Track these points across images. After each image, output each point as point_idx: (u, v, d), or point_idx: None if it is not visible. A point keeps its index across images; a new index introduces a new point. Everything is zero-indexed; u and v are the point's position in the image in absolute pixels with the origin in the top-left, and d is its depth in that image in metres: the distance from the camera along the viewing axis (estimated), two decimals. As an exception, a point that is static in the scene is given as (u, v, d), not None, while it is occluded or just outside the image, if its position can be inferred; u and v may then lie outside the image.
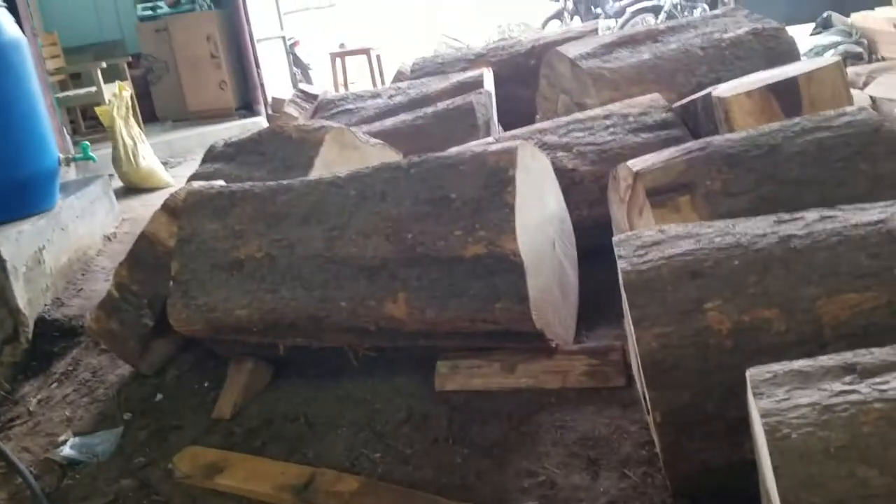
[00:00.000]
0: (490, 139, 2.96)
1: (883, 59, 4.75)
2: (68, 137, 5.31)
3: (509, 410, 2.02)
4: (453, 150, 2.48)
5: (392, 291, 2.07)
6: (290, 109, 4.73)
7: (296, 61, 8.36)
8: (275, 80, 7.58)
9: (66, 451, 2.30)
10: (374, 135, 3.26)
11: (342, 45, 7.89)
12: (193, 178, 3.08)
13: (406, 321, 2.06)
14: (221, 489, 1.95)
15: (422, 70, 4.52)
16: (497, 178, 2.07)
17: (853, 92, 2.91)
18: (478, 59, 4.37)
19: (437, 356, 2.19)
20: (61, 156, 3.60)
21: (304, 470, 1.92)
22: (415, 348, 2.20)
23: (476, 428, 1.98)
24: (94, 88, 6.16)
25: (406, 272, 2.07)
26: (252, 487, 1.90)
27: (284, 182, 2.43)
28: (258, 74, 7.22)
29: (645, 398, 1.64)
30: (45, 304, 3.22)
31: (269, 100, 7.18)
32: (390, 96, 4.08)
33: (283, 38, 8.02)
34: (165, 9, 7.40)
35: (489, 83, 3.82)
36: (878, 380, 1.08)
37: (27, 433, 2.52)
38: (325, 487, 1.83)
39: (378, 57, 7.78)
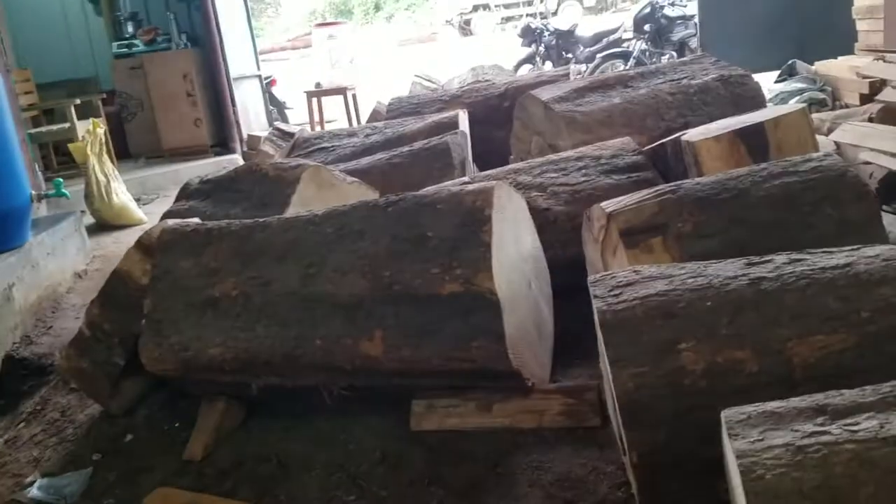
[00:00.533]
0: (466, 179, 2.99)
1: (846, 105, 4.89)
2: (40, 174, 5.27)
3: (486, 451, 2.01)
4: (430, 189, 2.51)
5: (368, 330, 2.06)
6: (267, 147, 4.75)
7: (272, 100, 8.40)
8: (251, 119, 7.61)
9: (34, 492, 2.25)
10: (351, 173, 3.27)
11: (318, 85, 7.95)
12: (168, 215, 3.06)
13: (382, 360, 2.05)
14: (191, 532, 1.91)
15: (397, 110, 4.57)
16: (474, 217, 2.09)
17: (818, 138, 2.99)
18: (453, 100, 4.44)
19: (413, 395, 2.18)
20: (33, 192, 3.57)
21: (276, 512, 1.89)
22: (390, 387, 2.19)
23: (452, 469, 1.97)
24: (67, 125, 6.13)
25: (383, 310, 2.07)
26: (223, 530, 1.87)
27: (261, 220, 2.43)
28: (234, 112, 7.24)
29: (621, 438, 1.65)
30: (14, 342, 3.17)
31: (245, 138, 7.20)
32: (366, 135, 4.12)
33: (260, 76, 8.07)
34: (141, 46, 7.42)
35: (464, 124, 3.88)
36: (849, 421, 1.10)
37: (-11, 475, 2.46)
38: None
39: (354, 96, 7.85)
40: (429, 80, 6.04)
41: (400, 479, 1.97)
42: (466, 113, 4.03)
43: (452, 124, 3.82)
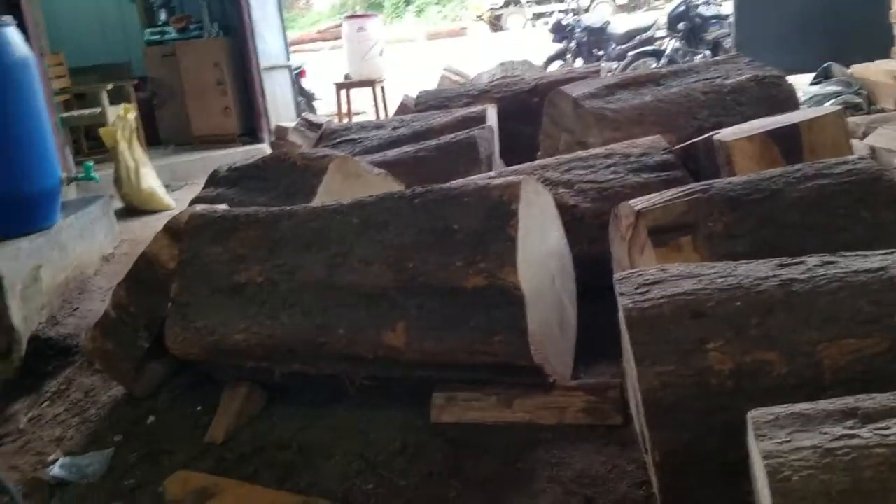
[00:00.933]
0: (492, 173, 2.98)
1: (882, 110, 4.81)
2: (70, 157, 5.33)
3: (505, 445, 2.00)
4: (457, 182, 2.50)
5: (391, 321, 2.06)
6: (294, 137, 4.76)
7: (301, 91, 8.43)
8: (279, 109, 7.64)
9: (56, 470, 2.28)
10: (377, 165, 3.28)
11: (347, 77, 7.97)
12: (196, 201, 3.09)
13: (404, 351, 2.05)
14: (210, 515, 1.93)
15: (425, 103, 4.56)
16: (500, 211, 2.08)
17: (853, 142, 2.94)
18: (481, 95, 4.42)
19: (434, 387, 2.18)
20: (63, 175, 3.61)
21: (295, 499, 1.90)
22: (412, 379, 2.19)
23: (471, 462, 1.97)
24: (98, 109, 6.20)
25: (406, 301, 2.07)
26: (242, 514, 1.88)
27: (287, 208, 2.44)
28: (262, 102, 7.28)
29: (643, 437, 1.63)
30: (41, 323, 3.21)
31: (273, 127, 7.23)
32: (394, 128, 4.12)
33: (289, 67, 8.10)
34: (173, 34, 7.48)
35: (492, 119, 3.86)
36: (879, 425, 1.08)
37: (16, 451, 2.50)
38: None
39: (382, 89, 7.86)
40: (457, 75, 6.03)
41: (419, 470, 1.97)
42: (495, 108, 4.02)
43: (480, 119, 3.81)
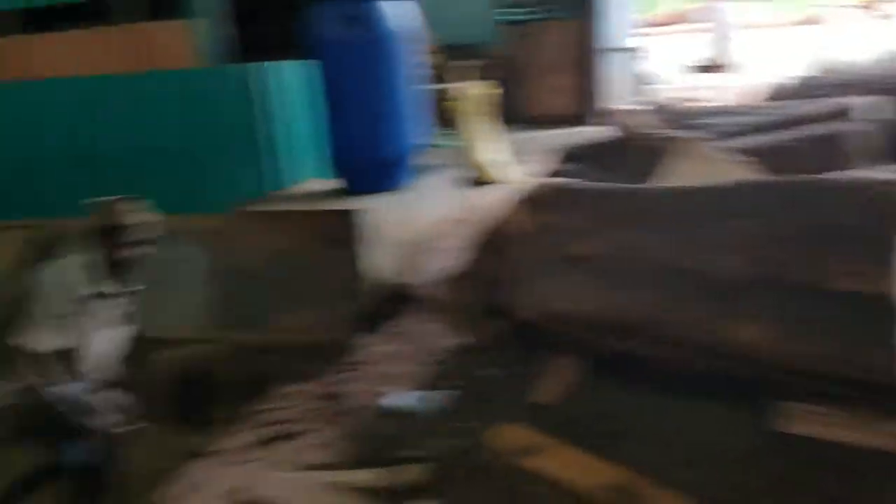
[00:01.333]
0: (879, 170, 2.64)
1: None
2: (426, 126, 5.75)
3: (861, 469, 1.78)
4: (831, 174, 2.26)
5: (742, 315, 1.94)
6: (639, 119, 4.68)
7: (643, 73, 8.25)
8: (619, 91, 7.56)
9: (391, 401, 2.48)
10: (730, 151, 3.09)
11: (698, 60, 7.62)
12: (546, 175, 3.17)
13: (754, 349, 1.92)
14: (534, 470, 1.96)
15: (789, 91, 4.22)
16: (884, 212, 1.85)
17: None
18: (857, 86, 3.96)
19: (777, 394, 1.98)
20: (420, 142, 3.89)
21: (620, 472, 1.86)
22: (754, 380, 2.02)
23: (820, 478, 1.78)
24: (455, 84, 6.62)
25: (762, 297, 1.93)
26: (566, 476, 1.88)
27: (637, 186, 2.42)
28: (603, 84, 7.25)
29: None
30: (390, 272, 3.51)
31: (613, 109, 7.18)
32: (749, 114, 3.89)
33: (631, 49, 7.96)
34: (527, 15, 7.72)
35: (870, 111, 3.44)
36: None
37: (358, 379, 2.77)
38: (645, 498, 1.75)
39: (737, 73, 7.38)
40: (832, 63, 5.46)
41: (758, 475, 1.84)
42: (874, 100, 3.57)
43: (853, 110, 3.42)
